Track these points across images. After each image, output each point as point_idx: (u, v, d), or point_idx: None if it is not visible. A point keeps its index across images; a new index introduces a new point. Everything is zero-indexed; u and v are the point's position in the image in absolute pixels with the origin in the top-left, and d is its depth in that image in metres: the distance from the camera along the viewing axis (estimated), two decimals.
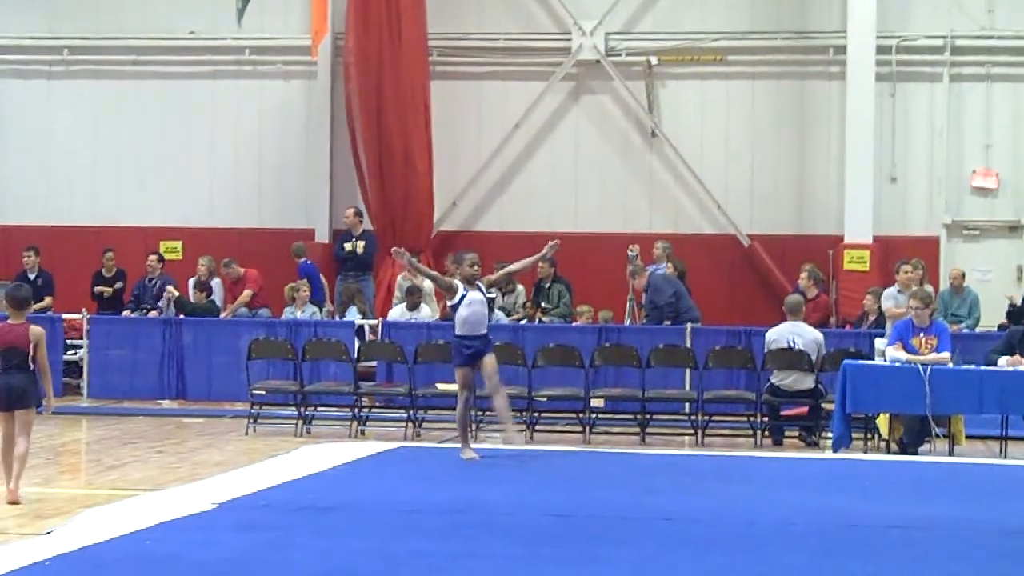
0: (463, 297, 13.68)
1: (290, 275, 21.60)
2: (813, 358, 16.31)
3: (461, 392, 13.85)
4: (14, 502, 11.17)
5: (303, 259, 21.78)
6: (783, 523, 10.46)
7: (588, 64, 23.46)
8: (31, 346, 11.54)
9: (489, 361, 13.81)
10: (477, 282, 13.85)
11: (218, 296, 21.47)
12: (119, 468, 13.58)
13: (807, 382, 16.33)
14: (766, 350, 16.60)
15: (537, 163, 23.72)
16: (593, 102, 23.65)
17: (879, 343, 15.91)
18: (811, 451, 16.08)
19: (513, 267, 15.05)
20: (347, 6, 22.84)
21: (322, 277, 21.85)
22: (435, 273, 14.68)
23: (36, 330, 11.64)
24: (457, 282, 13.83)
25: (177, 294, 20.90)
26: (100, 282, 21.99)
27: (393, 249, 14.67)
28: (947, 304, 20.03)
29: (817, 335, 16.65)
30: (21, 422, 11.51)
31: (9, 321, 11.79)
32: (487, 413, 16.90)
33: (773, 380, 16.50)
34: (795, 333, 16.56)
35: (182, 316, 20.44)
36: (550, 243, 14.55)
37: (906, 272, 18.06)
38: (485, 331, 13.85)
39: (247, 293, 21.31)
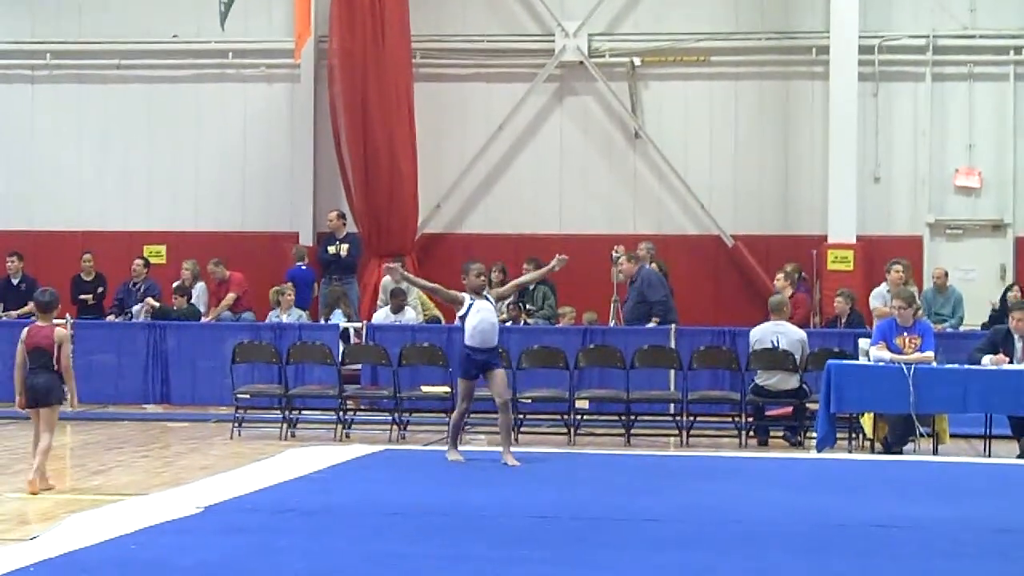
0: (470, 307, 13.56)
1: (275, 278, 21.59)
2: (797, 357, 16.33)
3: (461, 402, 13.80)
4: (34, 493, 11.97)
5: (300, 263, 21.80)
6: (768, 523, 10.47)
7: (571, 65, 23.48)
8: (55, 347, 12.34)
9: (500, 376, 13.71)
10: (485, 293, 13.77)
11: (202, 300, 21.43)
12: (104, 473, 13.56)
13: (791, 382, 16.35)
14: (750, 350, 16.61)
15: (521, 165, 23.73)
16: (577, 103, 23.67)
17: (863, 343, 15.94)
18: (796, 451, 16.11)
19: (521, 279, 15.04)
20: (330, 9, 22.83)
21: (316, 287, 21.80)
22: (436, 285, 14.37)
23: (60, 332, 12.48)
24: (463, 294, 13.70)
25: (157, 305, 20.83)
26: (79, 286, 21.92)
27: (385, 265, 14.50)
28: (930, 303, 20.07)
29: (800, 334, 16.67)
30: (45, 419, 12.40)
31: (37, 323, 12.69)
32: (472, 415, 16.91)
33: (757, 380, 16.52)
34: (778, 332, 16.58)
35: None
36: (558, 257, 14.25)
37: (897, 272, 18.13)
38: (495, 343, 13.70)
39: (231, 297, 21.25)
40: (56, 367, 12.41)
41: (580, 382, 17.32)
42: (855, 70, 22.07)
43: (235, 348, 17.56)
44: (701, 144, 23.30)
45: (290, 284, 20.85)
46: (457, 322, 14.23)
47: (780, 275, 19.37)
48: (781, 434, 16.91)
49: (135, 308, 21.02)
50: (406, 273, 14.83)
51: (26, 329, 12.70)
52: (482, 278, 13.76)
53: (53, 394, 12.40)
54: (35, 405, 12.43)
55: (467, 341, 13.61)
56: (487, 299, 13.67)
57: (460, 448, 14.06)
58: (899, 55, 22.89)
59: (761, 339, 16.60)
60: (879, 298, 18.26)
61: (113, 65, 24.53)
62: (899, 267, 18.46)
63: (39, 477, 12.18)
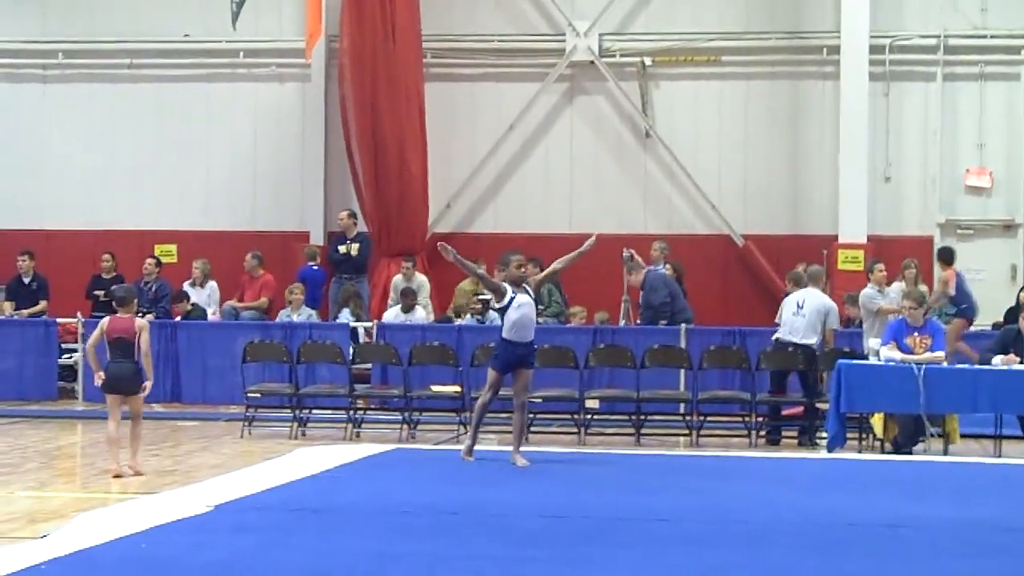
0: (512, 300, 13.51)
1: (286, 277, 21.62)
2: (817, 323, 16.49)
3: (487, 391, 13.85)
4: (138, 473, 13.07)
5: (311, 263, 21.83)
6: (778, 522, 10.48)
7: (582, 65, 23.47)
8: (136, 337, 13.21)
9: (527, 376, 13.73)
10: (524, 284, 13.71)
11: (213, 299, 21.44)
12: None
13: (812, 338, 16.46)
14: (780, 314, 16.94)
15: (531, 164, 23.72)
16: (587, 103, 23.66)
17: (872, 343, 15.94)
18: (806, 451, 16.10)
19: (556, 265, 14.76)
20: (341, 8, 22.83)
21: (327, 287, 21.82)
22: (483, 272, 14.32)
23: (140, 322, 13.46)
24: (505, 284, 13.66)
25: (190, 308, 20.84)
26: (98, 285, 21.92)
27: (439, 244, 14.36)
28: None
29: (827, 303, 16.77)
30: (132, 408, 13.35)
31: (117, 315, 13.57)
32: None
33: (777, 335, 16.77)
34: (805, 298, 16.66)
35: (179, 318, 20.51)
36: (590, 239, 14.22)
37: (880, 271, 18.15)
38: (532, 337, 13.72)
39: (264, 301, 21.27)
40: (137, 356, 13.28)
41: (590, 381, 17.35)
42: (866, 70, 22.07)
43: (246, 347, 17.56)
44: (711, 144, 23.29)
45: (299, 284, 20.85)
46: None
47: (789, 284, 19.21)
48: (791, 434, 16.90)
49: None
50: (458, 256, 14.58)
51: (107, 319, 13.59)
52: (523, 269, 13.69)
53: (135, 383, 13.27)
54: (117, 391, 13.26)
55: (505, 334, 13.61)
56: (527, 292, 13.62)
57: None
58: (910, 55, 22.86)
59: (790, 300, 16.82)
60: (876, 298, 18.05)
61: (124, 64, 24.54)
62: (881, 265, 18.50)
63: (134, 461, 13.22)
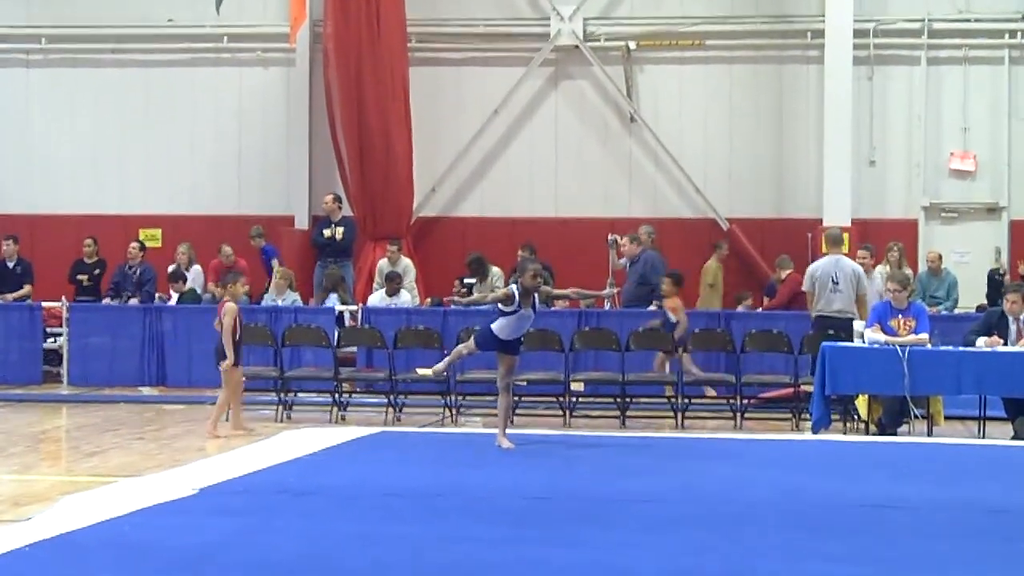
0: (515, 311, 13.36)
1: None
2: (852, 291, 16.61)
3: (464, 347, 13.96)
4: (215, 437, 14.67)
5: (264, 241, 21.88)
6: (763, 503, 10.50)
7: (567, 49, 23.46)
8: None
9: (512, 362, 13.72)
10: (535, 293, 13.57)
11: (198, 283, 21.44)
12: (99, 455, 13.58)
13: (851, 309, 16.57)
14: (808, 283, 16.96)
15: (516, 149, 23.71)
16: (572, 87, 23.65)
17: (857, 325, 15.97)
18: (790, 433, 16.13)
19: (570, 292, 14.81)
20: None
21: (274, 262, 21.74)
22: (492, 296, 14.08)
23: (227, 306, 15.13)
24: (515, 291, 13.43)
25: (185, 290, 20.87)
26: (80, 270, 21.91)
27: (446, 299, 14.24)
28: (925, 286, 20.11)
29: (854, 268, 16.85)
30: (223, 378, 15.07)
31: (225, 298, 15.35)
32: (467, 397, 17.01)
33: (820, 310, 16.74)
34: (837, 268, 16.72)
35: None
36: (611, 290, 15.51)
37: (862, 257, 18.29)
38: (520, 335, 13.71)
39: (248, 287, 21.24)
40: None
41: (575, 364, 17.34)
42: (850, 54, 22.10)
43: None
44: (696, 128, 23.30)
45: (285, 267, 20.85)
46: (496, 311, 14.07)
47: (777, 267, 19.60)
48: (781, 416, 16.94)
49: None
50: (463, 300, 14.57)
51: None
52: (538, 279, 13.55)
53: (219, 357, 15.11)
54: (218, 364, 15.16)
55: (495, 328, 13.53)
56: (533, 305, 13.50)
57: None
58: (894, 39, 22.88)
59: (823, 274, 16.79)
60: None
61: (108, 50, 24.49)
62: (895, 251, 18.62)
63: (212, 426, 14.91)
